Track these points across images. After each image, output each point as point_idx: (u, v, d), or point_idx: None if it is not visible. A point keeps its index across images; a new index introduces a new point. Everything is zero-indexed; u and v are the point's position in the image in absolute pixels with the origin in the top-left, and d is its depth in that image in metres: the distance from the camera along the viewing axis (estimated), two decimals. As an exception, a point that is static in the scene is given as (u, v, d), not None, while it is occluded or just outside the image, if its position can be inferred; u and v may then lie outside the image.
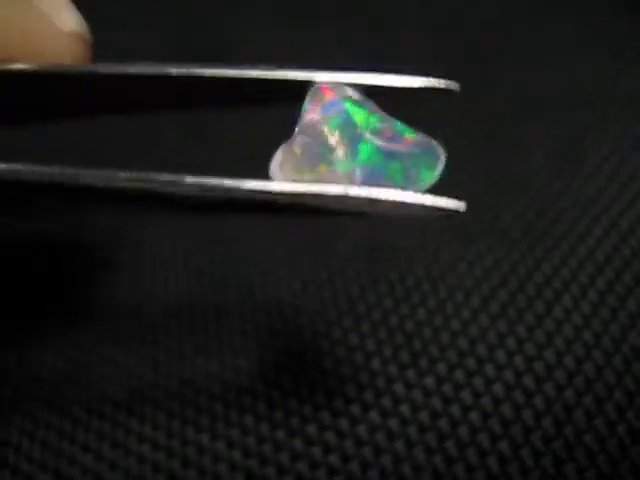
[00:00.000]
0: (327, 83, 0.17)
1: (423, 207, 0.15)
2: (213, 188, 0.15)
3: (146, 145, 0.29)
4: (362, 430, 0.20)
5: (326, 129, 0.16)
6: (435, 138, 0.16)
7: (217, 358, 0.23)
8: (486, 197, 0.26)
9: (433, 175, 0.16)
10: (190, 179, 0.15)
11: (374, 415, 0.21)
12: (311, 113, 0.16)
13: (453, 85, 0.17)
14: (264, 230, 0.26)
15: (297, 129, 0.16)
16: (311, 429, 0.21)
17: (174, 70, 0.18)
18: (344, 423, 0.21)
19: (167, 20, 0.37)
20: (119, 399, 0.22)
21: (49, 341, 0.24)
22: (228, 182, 0.15)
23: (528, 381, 0.20)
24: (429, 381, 0.21)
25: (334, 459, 0.20)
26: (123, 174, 0.16)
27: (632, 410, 0.19)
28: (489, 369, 0.21)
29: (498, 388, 0.20)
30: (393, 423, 0.20)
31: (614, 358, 0.20)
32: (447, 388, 0.21)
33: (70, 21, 0.20)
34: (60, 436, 0.22)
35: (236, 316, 0.24)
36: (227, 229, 0.27)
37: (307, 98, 0.17)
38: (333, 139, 0.16)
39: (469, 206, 0.16)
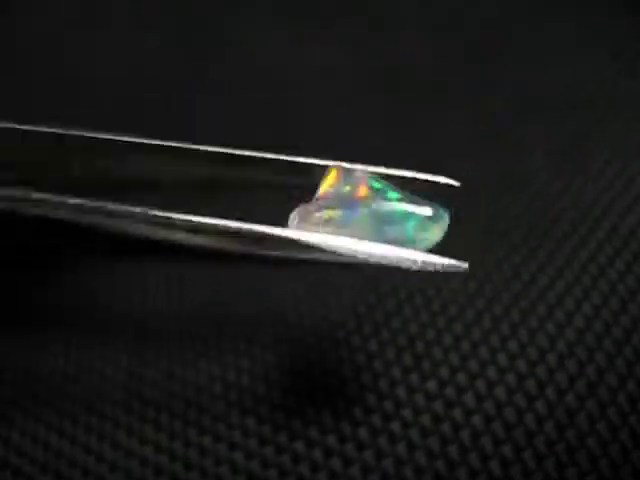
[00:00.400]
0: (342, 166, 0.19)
1: (424, 264, 0.17)
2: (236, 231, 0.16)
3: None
4: (364, 433, 0.20)
5: (341, 198, 0.18)
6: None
7: (219, 360, 0.23)
8: (486, 198, 0.26)
9: (437, 235, 0.18)
10: (211, 220, 0.17)
11: (376, 418, 0.21)
12: (328, 187, 0.18)
13: (454, 182, 0.20)
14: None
15: (314, 199, 0.18)
16: (313, 432, 0.21)
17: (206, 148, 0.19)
18: (346, 426, 0.21)
19: (167, 20, 0.37)
20: (120, 400, 0.22)
21: (51, 342, 0.24)
22: (248, 226, 0.17)
23: (530, 385, 0.20)
24: (431, 384, 0.21)
25: (335, 462, 0.20)
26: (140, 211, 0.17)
27: (634, 414, 0.19)
28: (491, 372, 0.21)
29: (500, 391, 0.20)
30: (395, 426, 0.20)
31: (616, 361, 0.20)
32: (449, 391, 0.21)
33: None
34: (61, 437, 0.22)
35: (240, 320, 0.24)
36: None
37: (325, 177, 0.19)
38: (349, 204, 0.18)
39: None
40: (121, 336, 0.24)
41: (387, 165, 0.21)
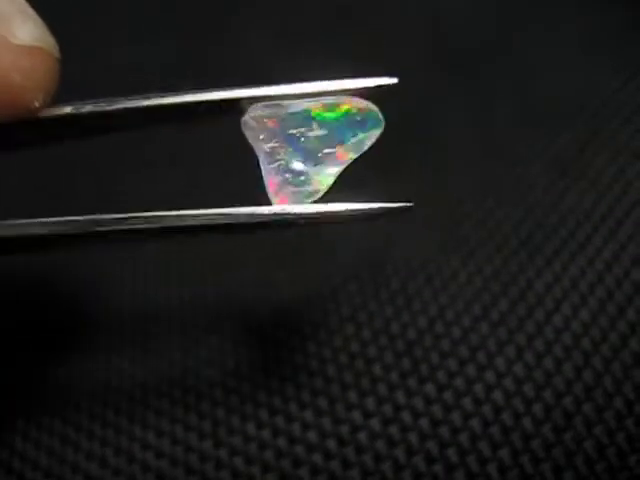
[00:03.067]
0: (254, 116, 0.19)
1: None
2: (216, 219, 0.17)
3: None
4: (363, 437, 0.20)
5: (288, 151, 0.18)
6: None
7: (220, 366, 0.23)
8: (484, 209, 0.26)
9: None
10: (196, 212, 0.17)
11: (375, 422, 0.21)
12: (266, 142, 0.18)
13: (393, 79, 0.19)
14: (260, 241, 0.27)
15: (262, 158, 0.18)
16: (312, 435, 0.21)
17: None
18: (345, 430, 0.21)
19: (167, 35, 0.37)
20: (122, 406, 0.23)
21: (53, 350, 0.25)
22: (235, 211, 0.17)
23: (528, 389, 0.20)
24: (430, 388, 0.21)
25: (335, 465, 0.20)
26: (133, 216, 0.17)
27: (631, 417, 0.20)
28: (489, 377, 0.21)
29: (498, 396, 0.20)
30: (394, 430, 0.20)
31: (613, 366, 0.20)
32: (448, 396, 0.21)
33: (24, 32, 0.16)
34: (64, 443, 0.22)
35: (239, 327, 0.24)
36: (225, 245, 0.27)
37: (250, 131, 0.19)
38: (298, 164, 0.18)
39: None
40: (124, 343, 0.25)
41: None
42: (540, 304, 0.22)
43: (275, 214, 0.17)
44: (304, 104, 0.19)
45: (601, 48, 0.32)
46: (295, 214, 0.17)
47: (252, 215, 0.17)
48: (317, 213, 0.17)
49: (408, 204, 0.18)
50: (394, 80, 0.19)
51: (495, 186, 0.27)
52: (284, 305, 0.25)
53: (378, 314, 0.23)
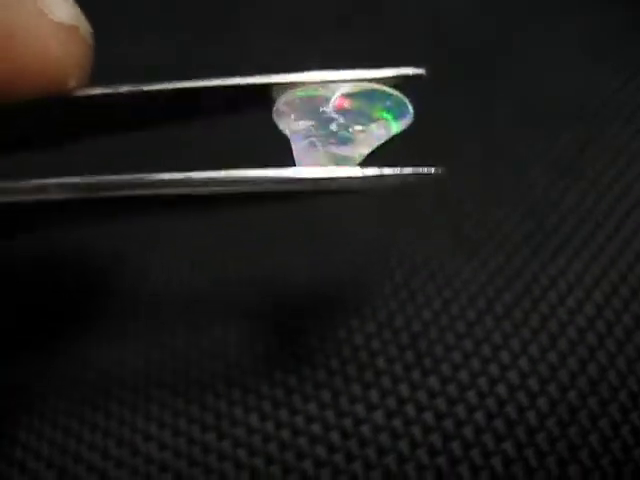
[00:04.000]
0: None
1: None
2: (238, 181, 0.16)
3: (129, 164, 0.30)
4: (366, 430, 0.20)
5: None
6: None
7: (223, 359, 0.23)
8: (484, 209, 0.26)
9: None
10: (217, 174, 0.16)
11: (378, 415, 0.21)
12: (297, 121, 0.18)
13: (420, 70, 0.19)
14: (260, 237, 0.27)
15: (294, 137, 0.18)
16: (315, 428, 0.21)
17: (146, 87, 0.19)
18: (348, 422, 0.21)
19: (167, 35, 0.38)
20: (125, 398, 0.23)
21: (56, 342, 0.25)
22: (253, 173, 0.16)
23: (532, 382, 0.20)
24: (434, 381, 0.21)
25: (338, 458, 0.20)
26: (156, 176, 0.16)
27: (636, 411, 0.20)
28: (494, 370, 0.21)
29: (502, 389, 0.20)
30: (397, 423, 0.20)
31: (618, 359, 0.20)
32: (451, 389, 0.21)
33: (62, 10, 0.16)
34: (67, 434, 0.22)
35: (244, 319, 0.24)
36: (229, 240, 0.27)
37: (281, 117, 0.19)
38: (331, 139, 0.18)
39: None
40: (127, 334, 0.24)
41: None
42: (544, 298, 0.22)
43: (304, 178, 0.16)
44: (336, 86, 0.19)
45: (601, 48, 0.32)
46: (326, 178, 0.16)
47: (278, 179, 0.16)
48: (349, 177, 0.16)
49: (439, 170, 0.17)
50: (421, 71, 0.19)
51: (495, 186, 0.27)
52: (286, 299, 0.25)
53: (382, 307, 0.23)
